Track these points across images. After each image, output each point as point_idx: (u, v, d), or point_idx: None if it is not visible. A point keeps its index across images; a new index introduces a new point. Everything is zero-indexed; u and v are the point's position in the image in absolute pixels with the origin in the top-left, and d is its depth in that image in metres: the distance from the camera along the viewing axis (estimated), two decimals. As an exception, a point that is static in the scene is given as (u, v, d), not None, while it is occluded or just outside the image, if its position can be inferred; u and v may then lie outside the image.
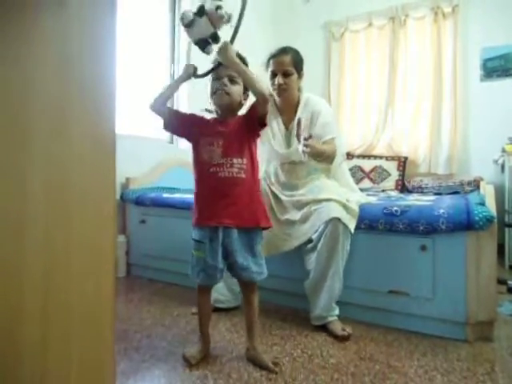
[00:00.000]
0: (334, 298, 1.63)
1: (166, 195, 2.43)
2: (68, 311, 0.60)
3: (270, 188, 1.88)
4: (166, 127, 1.41)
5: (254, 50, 2.24)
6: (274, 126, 1.87)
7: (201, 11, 1.27)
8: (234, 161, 1.31)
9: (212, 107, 1.41)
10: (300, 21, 4.20)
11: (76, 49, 0.60)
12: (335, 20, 3.99)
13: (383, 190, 3.19)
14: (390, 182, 3.37)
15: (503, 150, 2.89)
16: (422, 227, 1.58)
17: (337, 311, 1.65)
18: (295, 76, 1.78)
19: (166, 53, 3.20)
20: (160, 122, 1.41)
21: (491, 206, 1.60)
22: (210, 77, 1.40)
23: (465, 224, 1.50)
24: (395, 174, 3.40)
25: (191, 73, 1.41)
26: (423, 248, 1.60)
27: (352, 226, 1.65)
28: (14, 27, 0.53)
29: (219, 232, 1.30)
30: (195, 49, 1.42)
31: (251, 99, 1.37)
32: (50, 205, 0.57)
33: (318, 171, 1.88)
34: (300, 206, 1.75)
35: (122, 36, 2.67)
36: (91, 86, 0.62)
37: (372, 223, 1.69)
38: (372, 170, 3.48)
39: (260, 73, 1.74)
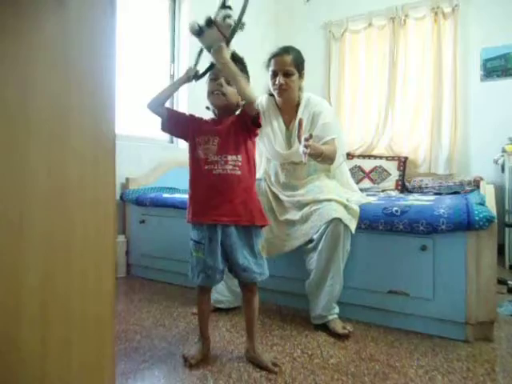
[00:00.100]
0: (334, 298, 1.63)
1: (165, 195, 2.43)
2: (68, 312, 0.60)
3: (270, 188, 1.88)
4: (163, 127, 1.41)
5: (254, 50, 2.24)
6: (275, 126, 1.86)
7: (208, 22, 1.25)
8: (229, 157, 1.31)
9: (210, 107, 1.42)
10: (300, 21, 4.20)
11: (76, 49, 0.60)
12: (335, 20, 3.99)
13: (383, 190, 3.19)
14: (390, 182, 3.37)
15: (503, 150, 2.89)
16: (422, 227, 1.58)
17: (337, 310, 1.66)
18: (296, 76, 1.77)
19: (166, 53, 3.20)
20: (159, 122, 1.41)
21: (491, 206, 1.60)
22: (207, 77, 1.40)
23: (465, 224, 1.50)
24: (395, 174, 3.40)
25: (191, 76, 1.42)
26: (423, 248, 1.60)
27: (353, 226, 1.65)
28: (13, 27, 0.53)
29: (217, 231, 1.31)
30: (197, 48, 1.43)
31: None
32: (50, 205, 0.57)
33: (318, 171, 1.88)
34: (300, 206, 1.75)
35: (122, 36, 2.67)
36: (91, 86, 0.62)
37: (372, 223, 1.69)
38: (372, 170, 3.48)
39: (259, 73, 1.74)
